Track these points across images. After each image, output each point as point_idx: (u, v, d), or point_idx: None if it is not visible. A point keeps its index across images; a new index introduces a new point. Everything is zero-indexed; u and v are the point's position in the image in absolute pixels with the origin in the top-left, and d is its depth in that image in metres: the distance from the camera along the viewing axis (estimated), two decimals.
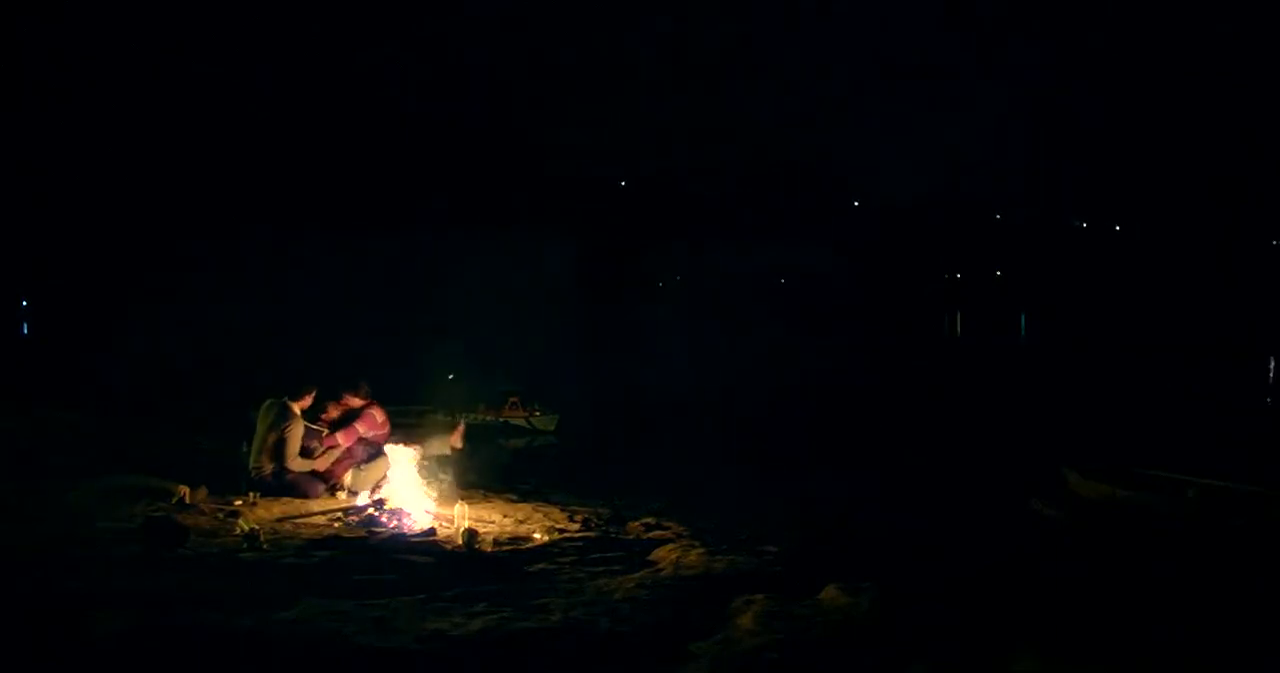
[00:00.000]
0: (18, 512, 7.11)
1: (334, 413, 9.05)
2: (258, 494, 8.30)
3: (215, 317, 33.82)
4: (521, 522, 8.12)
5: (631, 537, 7.75)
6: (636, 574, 6.10)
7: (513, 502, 9.10)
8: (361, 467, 8.75)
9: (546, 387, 18.55)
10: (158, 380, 19.02)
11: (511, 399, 16.64)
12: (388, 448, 8.45)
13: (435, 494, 8.08)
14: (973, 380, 28.25)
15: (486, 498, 9.14)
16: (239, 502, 8.09)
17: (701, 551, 6.67)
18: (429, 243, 73.93)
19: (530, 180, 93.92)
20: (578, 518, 8.48)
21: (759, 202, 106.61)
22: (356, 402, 9.09)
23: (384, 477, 8.40)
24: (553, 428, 16.53)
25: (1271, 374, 28.91)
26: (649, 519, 8.44)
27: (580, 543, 7.28)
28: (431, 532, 7.33)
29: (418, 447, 8.50)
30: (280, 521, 7.67)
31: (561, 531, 7.83)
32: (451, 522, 7.57)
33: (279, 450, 8.49)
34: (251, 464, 8.57)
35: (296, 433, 8.56)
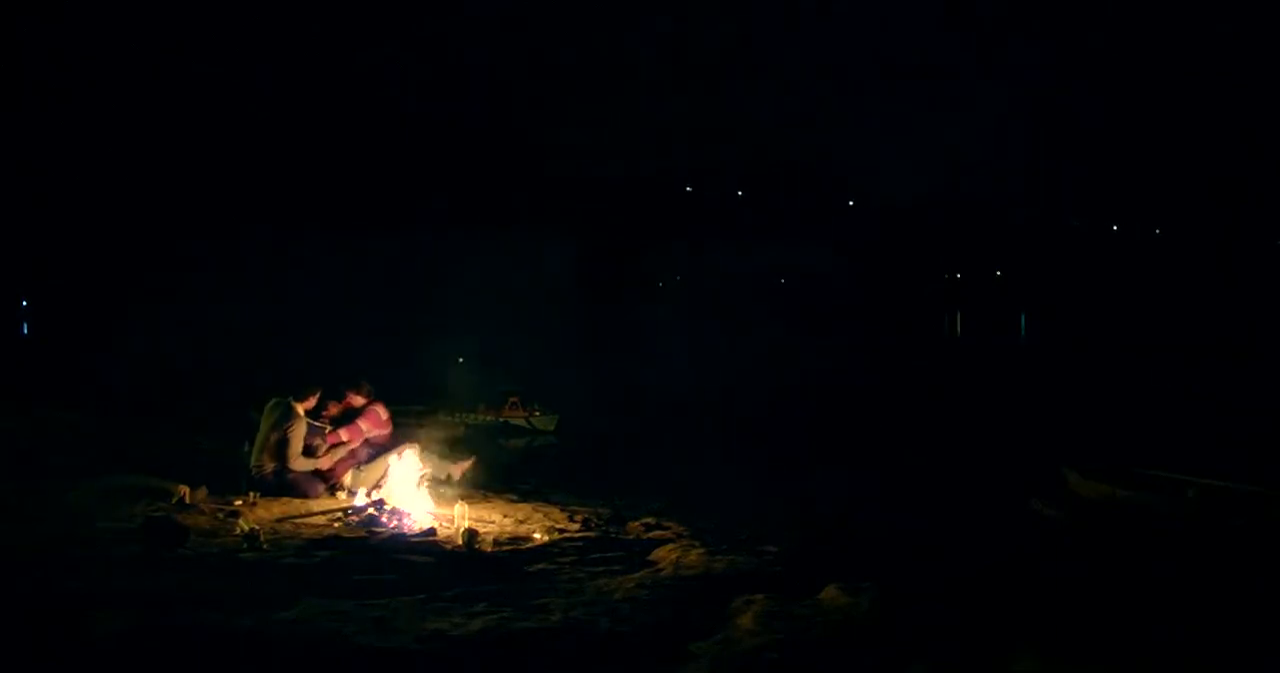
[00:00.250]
0: (18, 512, 7.11)
1: (336, 412, 9.07)
2: (258, 494, 8.30)
3: (215, 317, 33.83)
4: (521, 522, 8.12)
5: (631, 537, 7.75)
6: (636, 574, 6.11)
7: (513, 502, 9.10)
8: (361, 467, 8.77)
9: (546, 387, 18.56)
10: (158, 380, 19.02)
11: (511, 399, 16.63)
12: (391, 460, 8.46)
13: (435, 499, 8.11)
14: (973, 381, 28.25)
15: (486, 498, 9.14)
16: (239, 502, 8.09)
17: (701, 551, 6.67)
18: (429, 243, 73.95)
19: (530, 180, 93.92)
20: (578, 518, 8.48)
21: (759, 202, 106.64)
22: (359, 400, 9.13)
23: (384, 477, 8.41)
24: (553, 428, 16.53)
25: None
26: (649, 519, 8.44)
27: (580, 543, 7.28)
28: (431, 532, 7.33)
29: (416, 448, 8.52)
30: (280, 521, 7.67)
31: (561, 531, 7.83)
32: (451, 522, 7.57)
33: (281, 450, 8.49)
34: (253, 463, 8.59)
35: (299, 433, 8.58)
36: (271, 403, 8.71)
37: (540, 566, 6.42)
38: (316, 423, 8.84)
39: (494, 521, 8.09)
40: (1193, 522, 9.31)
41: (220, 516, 7.64)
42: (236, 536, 6.80)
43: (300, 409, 8.65)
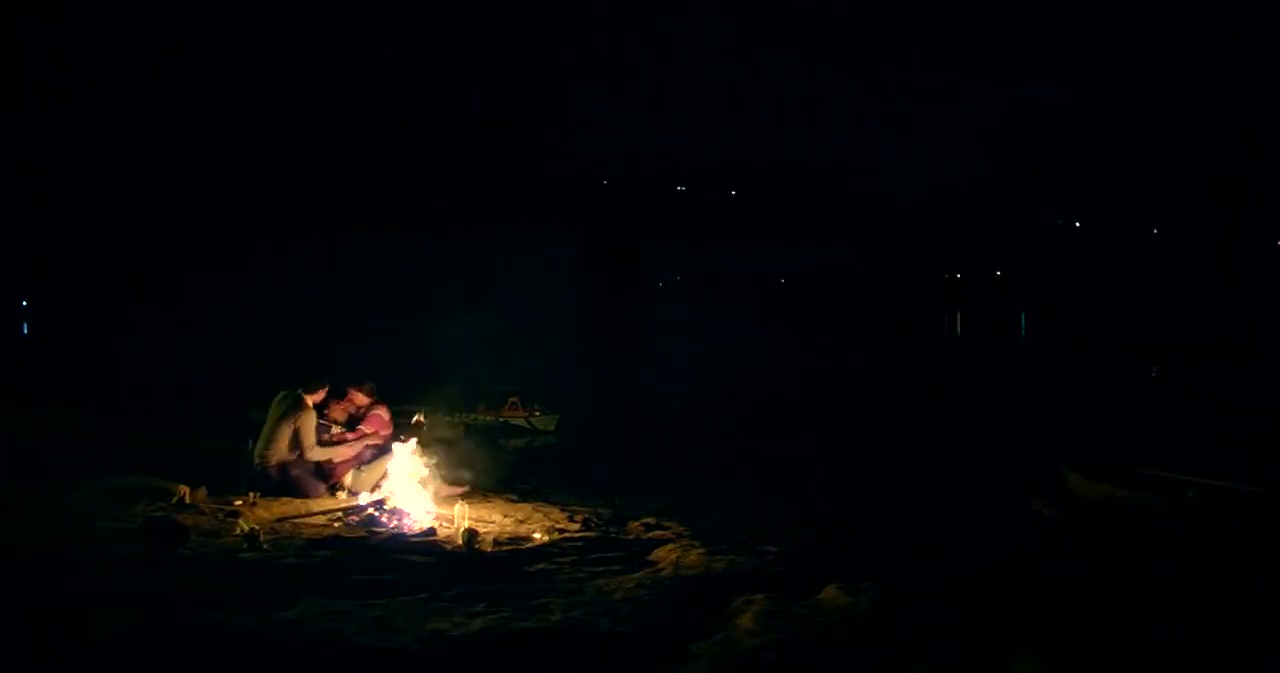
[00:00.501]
0: (18, 512, 7.12)
1: (339, 413, 9.10)
2: (258, 494, 8.31)
3: (215, 317, 33.82)
4: (521, 522, 8.13)
5: (631, 537, 7.75)
6: (636, 574, 6.11)
7: (513, 502, 9.10)
8: (361, 467, 8.78)
9: (546, 387, 18.54)
10: (158, 380, 19.04)
11: (511, 399, 16.61)
12: (395, 446, 8.47)
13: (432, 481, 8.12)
14: (972, 381, 28.24)
15: (486, 498, 9.14)
16: (239, 502, 8.10)
17: (701, 551, 6.67)
18: (429, 243, 73.97)
19: (530, 180, 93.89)
20: (578, 518, 8.48)
21: (759, 201, 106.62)
22: (363, 399, 9.18)
23: (384, 477, 8.42)
24: (553, 428, 16.50)
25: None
26: (649, 519, 8.44)
27: (580, 543, 7.28)
28: (431, 532, 7.34)
29: (417, 448, 8.52)
30: (280, 521, 7.68)
31: (561, 531, 7.83)
32: (451, 522, 7.57)
33: (295, 441, 8.55)
34: (257, 456, 8.59)
35: (311, 423, 8.65)
36: (280, 396, 8.76)
37: (540, 566, 6.42)
38: (322, 421, 8.90)
39: (494, 520, 8.09)
40: (1193, 522, 9.30)
41: (220, 515, 7.65)
42: (236, 536, 6.81)
43: (310, 401, 8.71)
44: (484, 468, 9.96)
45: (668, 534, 7.74)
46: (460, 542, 6.88)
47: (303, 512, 8.01)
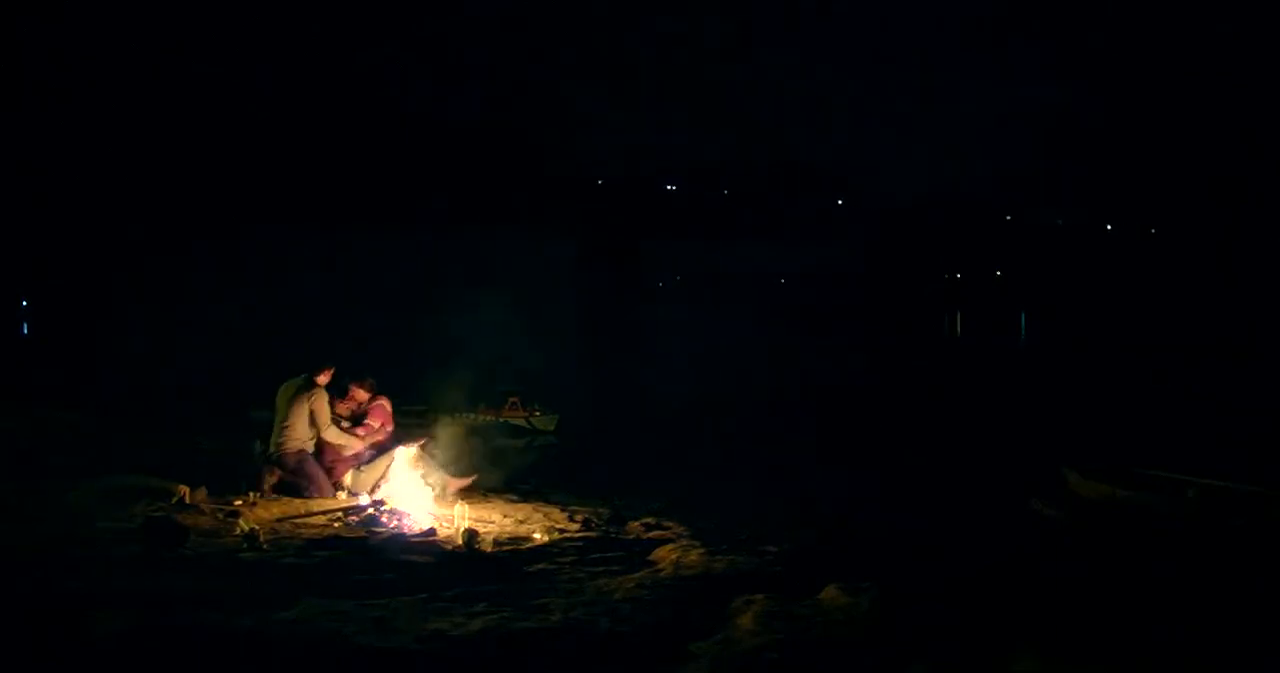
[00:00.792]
0: (18, 512, 7.12)
1: (343, 410, 9.12)
2: (257, 494, 8.32)
3: (215, 317, 33.81)
4: (521, 522, 8.13)
5: (631, 537, 7.76)
6: (636, 574, 6.11)
7: (513, 502, 9.10)
8: (361, 467, 8.79)
9: (546, 387, 18.54)
10: (158, 380, 19.04)
11: (511, 399, 16.61)
12: (392, 459, 8.48)
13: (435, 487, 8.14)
14: (973, 381, 28.24)
15: (486, 498, 9.15)
16: (239, 502, 8.10)
17: (701, 551, 6.67)
18: (429, 243, 73.95)
19: (530, 180, 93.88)
20: (578, 518, 8.48)
21: (759, 202, 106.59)
22: (363, 395, 9.19)
23: (384, 476, 8.42)
24: (553, 428, 16.50)
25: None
26: (649, 519, 8.44)
27: (580, 543, 7.28)
28: (431, 532, 7.34)
29: (417, 448, 8.53)
30: (280, 521, 7.68)
31: (561, 531, 7.83)
32: (451, 522, 7.58)
33: (312, 421, 8.63)
34: (273, 443, 8.60)
35: (323, 401, 8.71)
36: (286, 385, 8.81)
37: (540, 566, 6.42)
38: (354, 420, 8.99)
39: (494, 520, 8.09)
40: (1193, 522, 9.30)
41: (220, 515, 7.65)
42: (236, 536, 6.81)
43: (320, 381, 8.78)
44: (484, 468, 9.97)
45: (668, 534, 7.74)
46: (460, 542, 6.88)
47: (303, 512, 8.01)
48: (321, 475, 8.66)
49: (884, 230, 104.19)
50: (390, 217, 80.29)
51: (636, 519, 8.47)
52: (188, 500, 7.94)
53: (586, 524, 8.26)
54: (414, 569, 6.18)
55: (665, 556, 6.62)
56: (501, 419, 16.30)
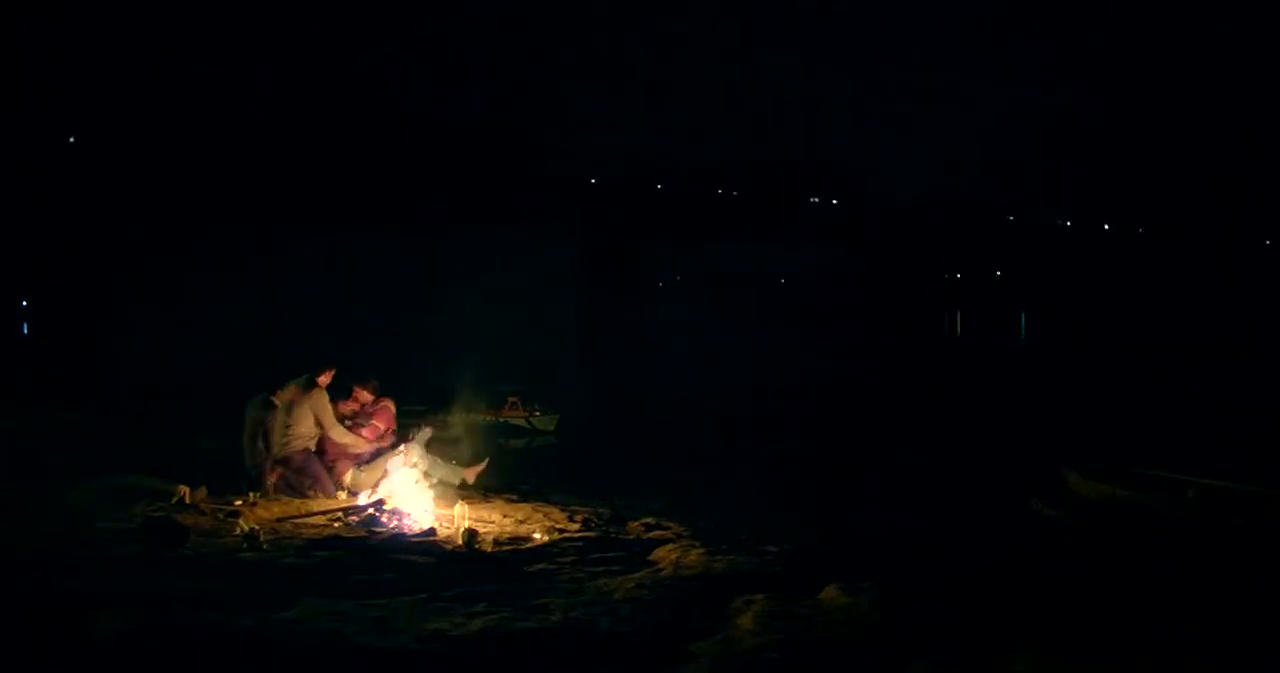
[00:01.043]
0: (18, 512, 7.12)
1: (345, 409, 9.14)
2: (258, 494, 8.32)
3: (215, 317, 33.80)
4: (521, 522, 8.13)
5: (631, 537, 7.76)
6: (636, 574, 6.10)
7: (513, 502, 9.10)
8: (361, 467, 8.80)
9: (546, 387, 18.55)
10: (158, 380, 19.04)
11: (511, 399, 16.62)
12: (392, 460, 8.49)
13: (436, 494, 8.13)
14: (972, 381, 28.24)
15: (486, 498, 9.15)
16: (239, 502, 8.10)
17: (701, 551, 6.67)
18: (429, 243, 73.92)
19: (530, 180, 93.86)
20: (578, 518, 8.48)
21: (759, 202, 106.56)
22: (367, 396, 9.22)
23: (384, 476, 8.42)
24: (553, 428, 16.51)
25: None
26: (649, 519, 8.44)
27: (580, 543, 7.28)
28: (431, 532, 7.33)
29: (418, 448, 8.53)
30: (280, 520, 7.68)
31: (561, 531, 7.83)
32: (451, 522, 7.57)
33: (317, 422, 8.64)
34: (276, 445, 8.59)
35: (324, 401, 8.74)
36: (290, 385, 8.82)
37: (540, 566, 6.42)
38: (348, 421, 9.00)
39: (494, 520, 8.09)
40: (1193, 522, 9.31)
41: (220, 515, 7.65)
42: (236, 536, 6.80)
43: (321, 382, 8.82)
44: (476, 455, 9.97)
45: (668, 534, 7.74)
46: (460, 542, 6.88)
47: (303, 512, 8.01)
48: (324, 474, 8.68)
49: (884, 230, 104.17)
50: (390, 217, 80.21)
51: (636, 519, 8.47)
52: (188, 500, 7.94)
53: (586, 524, 8.26)
54: (414, 569, 6.18)
55: (665, 556, 6.62)
56: (501, 419, 16.31)
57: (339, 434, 8.79)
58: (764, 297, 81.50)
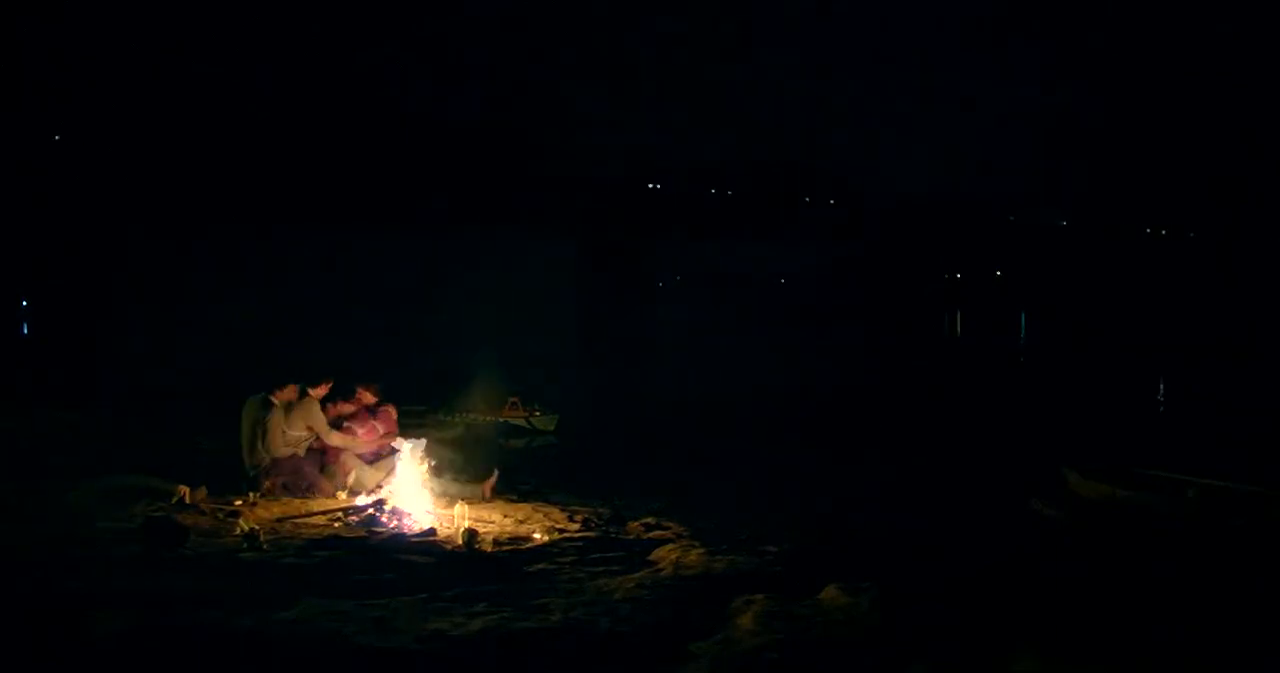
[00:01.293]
0: (18, 512, 7.12)
1: (345, 409, 9.17)
2: (258, 494, 8.32)
3: (215, 317, 33.81)
4: (521, 522, 8.13)
5: (631, 537, 7.76)
6: (636, 574, 6.11)
7: (513, 502, 9.10)
8: (364, 467, 8.81)
9: (546, 386, 18.54)
10: (158, 380, 19.04)
11: (511, 399, 16.59)
12: (396, 460, 8.49)
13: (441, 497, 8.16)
14: (972, 381, 28.23)
15: (487, 498, 9.14)
16: (239, 502, 8.11)
17: (701, 551, 6.67)
18: (428, 243, 73.88)
19: (530, 180, 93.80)
20: (578, 518, 8.48)
21: (759, 201, 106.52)
22: (369, 398, 9.25)
23: (385, 477, 8.43)
24: (553, 428, 16.48)
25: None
26: (649, 519, 8.44)
27: (580, 543, 7.28)
28: (431, 532, 7.34)
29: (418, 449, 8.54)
30: (280, 521, 7.68)
31: (561, 531, 7.83)
32: (451, 522, 7.57)
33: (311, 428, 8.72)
34: (276, 448, 8.60)
35: (315, 412, 8.79)
36: (290, 385, 8.87)
37: (540, 566, 6.42)
38: (335, 425, 9.02)
39: (494, 521, 8.09)
40: (1193, 522, 9.30)
41: (220, 515, 7.65)
42: (236, 536, 6.81)
43: (313, 394, 8.89)
44: (484, 468, 9.98)
45: (668, 534, 7.74)
46: (460, 542, 6.88)
47: (303, 512, 8.02)
48: (320, 476, 8.69)
49: (884, 230, 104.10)
50: (390, 217, 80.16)
51: (636, 519, 8.47)
52: (188, 500, 7.94)
53: (586, 524, 8.26)
54: (414, 569, 6.18)
55: (665, 556, 6.62)
56: (501, 419, 16.29)
57: (334, 439, 8.86)
58: (764, 297, 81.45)
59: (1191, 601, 5.67)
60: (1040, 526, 9.70)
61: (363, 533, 7.38)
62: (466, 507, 7.85)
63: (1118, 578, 6.56)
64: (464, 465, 9.31)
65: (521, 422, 16.39)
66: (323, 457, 8.93)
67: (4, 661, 4.11)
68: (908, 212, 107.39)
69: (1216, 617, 5.20)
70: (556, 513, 8.63)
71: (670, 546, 6.96)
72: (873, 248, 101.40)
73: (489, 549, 6.91)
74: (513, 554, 6.85)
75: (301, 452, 8.77)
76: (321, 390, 9.00)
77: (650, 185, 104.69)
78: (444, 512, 7.86)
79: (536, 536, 7.49)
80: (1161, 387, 24.01)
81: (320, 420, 8.81)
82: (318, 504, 8.30)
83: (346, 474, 8.80)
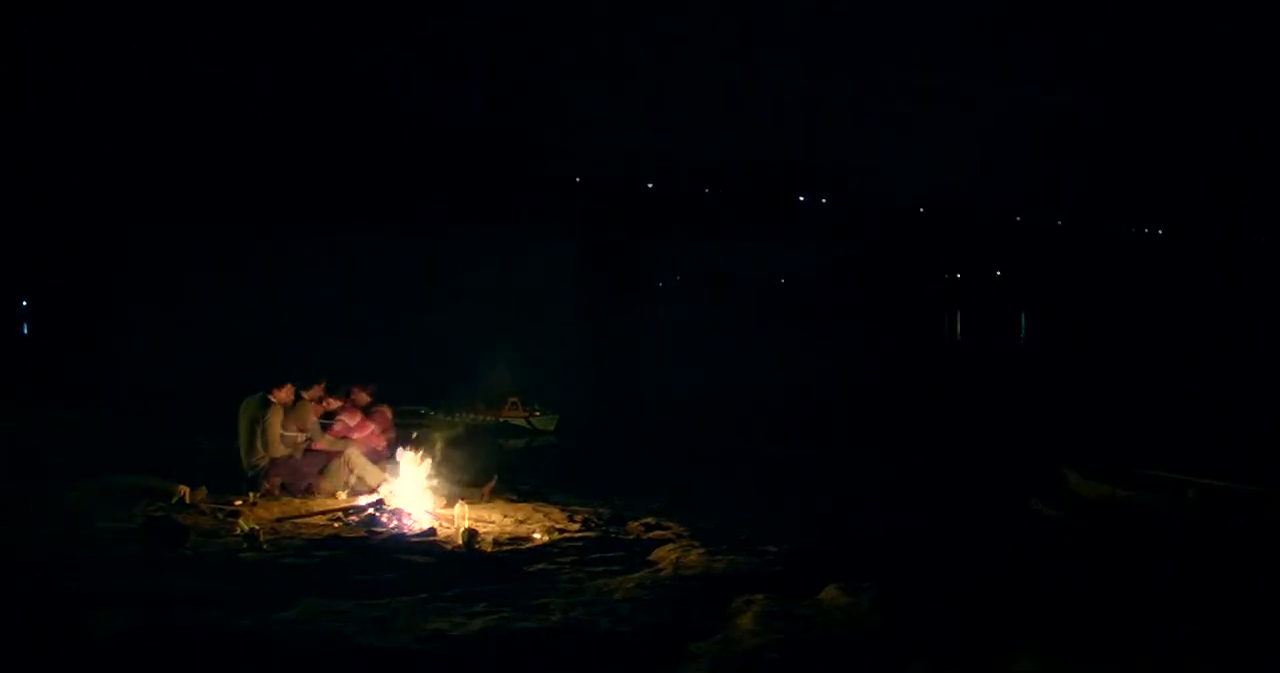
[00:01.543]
0: (18, 512, 7.12)
1: (335, 404, 9.20)
2: (257, 494, 8.32)
3: (215, 317, 33.84)
4: (521, 522, 8.12)
5: (631, 537, 7.75)
6: (636, 574, 6.10)
7: (513, 502, 9.10)
8: (364, 467, 8.82)
9: (546, 387, 18.55)
10: (158, 380, 19.05)
11: (511, 399, 16.61)
12: (398, 460, 8.50)
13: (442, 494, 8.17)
14: (972, 381, 28.24)
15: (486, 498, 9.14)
16: (239, 502, 8.11)
17: (701, 551, 6.67)
18: (428, 243, 73.93)
19: (530, 180, 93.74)
20: (578, 518, 8.48)
21: (759, 202, 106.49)
22: (364, 398, 9.28)
23: (384, 477, 8.43)
24: (553, 428, 16.50)
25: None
26: (649, 519, 8.44)
27: (580, 543, 7.28)
28: (431, 532, 7.33)
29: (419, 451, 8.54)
30: (280, 520, 7.68)
31: (561, 531, 7.83)
32: (451, 522, 7.57)
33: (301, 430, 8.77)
34: (274, 443, 8.63)
35: (306, 411, 8.85)
36: (288, 384, 8.91)
37: (540, 566, 6.42)
38: (325, 421, 9.01)
39: (494, 521, 8.09)
40: (1193, 522, 9.31)
41: (220, 516, 7.65)
42: (236, 536, 6.81)
43: (306, 396, 8.97)
44: (484, 468, 9.98)
45: (668, 534, 7.73)
46: (460, 542, 6.88)
47: (303, 512, 8.02)
48: (319, 476, 8.70)
49: (884, 230, 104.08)
50: (390, 217, 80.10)
51: (636, 519, 8.46)
52: (188, 500, 7.94)
53: (586, 524, 8.26)
54: (414, 569, 6.18)
55: (665, 556, 6.62)
56: (501, 419, 16.30)
57: (324, 443, 8.88)
58: (764, 297, 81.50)
59: (1191, 601, 5.67)
60: (1040, 526, 9.71)
61: (363, 533, 7.38)
62: (466, 507, 7.85)
63: (1118, 578, 6.56)
64: (464, 465, 9.30)
65: (521, 422, 16.40)
66: (324, 457, 8.92)
67: (4, 661, 4.10)
68: (908, 212, 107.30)
69: (1216, 617, 5.19)
70: (556, 513, 8.63)
71: (670, 546, 6.96)
72: (873, 248, 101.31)
73: (489, 549, 6.90)
74: (513, 554, 6.85)
75: (299, 453, 8.77)
76: (315, 392, 9.05)
77: (650, 185, 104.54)
78: (444, 512, 7.86)
79: (536, 536, 7.49)
80: (1160, 388, 24.01)
81: (314, 424, 8.85)
82: (318, 504, 8.30)
83: (351, 471, 8.79)
